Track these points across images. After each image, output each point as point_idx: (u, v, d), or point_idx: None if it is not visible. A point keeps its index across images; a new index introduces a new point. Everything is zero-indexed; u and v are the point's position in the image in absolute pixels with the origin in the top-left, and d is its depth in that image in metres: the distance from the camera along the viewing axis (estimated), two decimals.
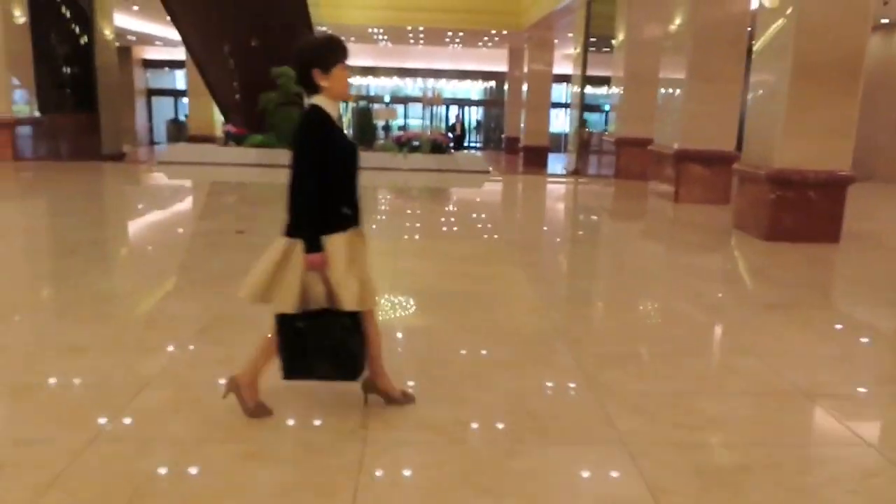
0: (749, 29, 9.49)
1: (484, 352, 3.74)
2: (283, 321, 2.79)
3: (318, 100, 2.76)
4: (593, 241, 7.74)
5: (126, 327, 4.08)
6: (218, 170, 12.51)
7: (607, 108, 28.94)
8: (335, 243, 2.76)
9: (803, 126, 6.99)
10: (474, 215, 8.98)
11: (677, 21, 9.84)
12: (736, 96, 9.55)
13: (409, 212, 9.06)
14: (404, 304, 4.61)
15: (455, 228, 7.92)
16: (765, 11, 7.29)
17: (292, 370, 2.83)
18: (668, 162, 10.03)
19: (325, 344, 2.77)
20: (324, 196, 2.76)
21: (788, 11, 6.91)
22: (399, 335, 3.97)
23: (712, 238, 7.59)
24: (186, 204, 9.41)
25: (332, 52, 2.75)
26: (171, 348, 3.72)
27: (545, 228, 8.58)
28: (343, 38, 2.92)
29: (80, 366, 3.46)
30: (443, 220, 8.65)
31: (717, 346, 4.10)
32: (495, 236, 7.50)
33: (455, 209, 9.79)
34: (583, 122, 17.34)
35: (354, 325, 2.81)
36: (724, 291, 5.40)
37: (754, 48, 7.59)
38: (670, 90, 10.21)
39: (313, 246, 2.71)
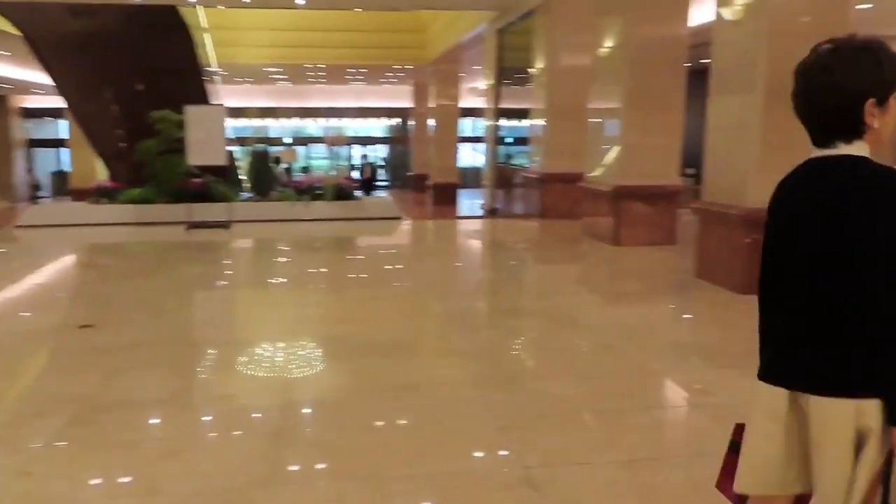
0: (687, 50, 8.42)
1: None
2: None
3: (861, 149, 1.55)
4: (540, 309, 6.23)
5: None
6: (86, 232, 10.34)
7: (509, 140, 28.28)
8: None
9: (781, 157, 5.75)
10: (388, 267, 7.37)
11: (608, 44, 8.64)
12: (679, 125, 8.40)
13: (310, 273, 7.33)
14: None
15: (362, 304, 6.27)
16: (725, 25, 6.09)
17: None
18: (604, 200, 8.74)
19: None
20: None
21: (755, 23, 5.73)
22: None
23: (678, 293, 6.26)
24: (24, 285, 7.13)
25: None
26: None
27: (473, 284, 7.05)
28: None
29: None
30: (349, 286, 6.97)
31: None
32: (418, 311, 5.92)
33: (363, 266, 8.13)
34: (507, 157, 16.12)
35: None
36: (729, 383, 3.95)
37: (713, 68, 6.39)
38: (603, 120, 8.99)
39: None
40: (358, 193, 13.55)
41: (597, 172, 9.15)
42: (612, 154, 8.65)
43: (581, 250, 8.61)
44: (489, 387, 3.72)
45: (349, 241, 9.95)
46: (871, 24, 10.34)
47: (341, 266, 7.89)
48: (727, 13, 6.01)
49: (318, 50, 18.82)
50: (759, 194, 5.80)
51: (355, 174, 27.95)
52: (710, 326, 5.09)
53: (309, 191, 11.27)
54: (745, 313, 5.56)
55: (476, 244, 10.32)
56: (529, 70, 11.96)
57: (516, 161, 16.30)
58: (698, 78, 9.06)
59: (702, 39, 9.29)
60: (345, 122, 31.63)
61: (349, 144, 30.83)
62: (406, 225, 11.45)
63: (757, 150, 5.77)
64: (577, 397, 3.61)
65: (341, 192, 11.33)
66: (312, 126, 31.28)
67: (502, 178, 14.66)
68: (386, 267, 7.80)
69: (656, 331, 5.02)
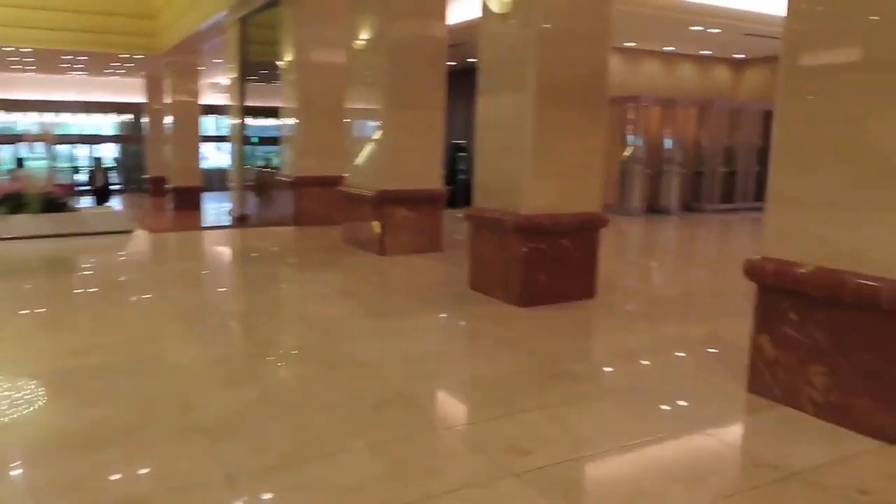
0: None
1: None
2: None
3: None
4: (308, 347, 5.19)
5: None
6: None
7: (256, 140, 26.62)
8: None
9: (553, 160, 5.38)
10: (109, 302, 5.78)
11: (364, 37, 7.79)
12: (441, 125, 7.83)
13: None
14: None
15: (64, 360, 4.73)
16: (492, 18, 5.52)
17: None
18: (366, 205, 7.92)
19: None
20: None
21: (525, 16, 5.22)
22: None
23: (457, 310, 5.60)
24: None
25: None
26: None
27: (223, 318, 5.78)
28: None
29: None
30: (48, 335, 5.32)
31: None
32: (148, 365, 4.57)
33: (73, 302, 6.41)
34: (264, 159, 14.66)
35: None
36: (540, 432, 3.32)
37: (481, 64, 5.82)
38: (362, 120, 8.14)
39: None
40: (87, 202, 11.25)
41: (357, 176, 8.30)
42: (373, 156, 7.85)
43: (345, 262, 7.68)
44: (252, 484, 2.63)
45: (59, 265, 7.78)
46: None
47: (42, 304, 6.02)
48: (494, 5, 5.45)
49: (20, 31, 15.60)
50: (534, 200, 5.36)
51: (81, 178, 24.30)
52: (499, 351, 4.45)
53: (8, 202, 8.91)
54: (528, 332, 4.93)
55: (225, 261, 8.89)
56: (278, 64, 10.74)
57: (272, 162, 15.00)
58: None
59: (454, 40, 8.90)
60: (67, 118, 27.41)
61: (70, 143, 26.76)
62: (139, 239, 9.55)
63: (530, 154, 5.31)
64: (374, 484, 2.66)
65: (52, 203, 9.14)
66: (25, 121, 26.60)
67: (253, 181, 13.23)
68: (106, 301, 6.10)
69: (445, 363, 4.26)
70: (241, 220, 12.39)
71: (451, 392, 3.76)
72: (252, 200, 13.01)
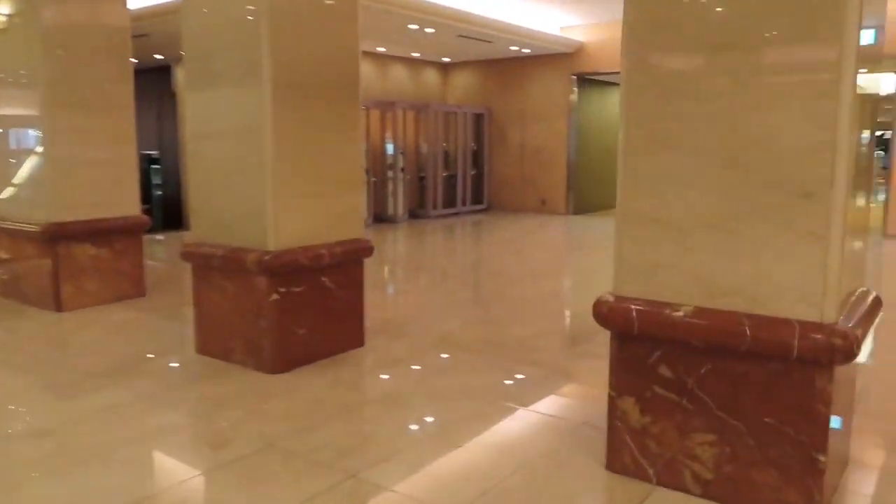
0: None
1: None
2: None
3: None
4: None
5: None
6: None
7: None
8: None
9: (304, 177, 4.07)
10: None
11: (4, 13, 5.54)
12: (132, 132, 5.90)
13: None
14: None
15: None
16: None
17: None
18: (31, 244, 5.72)
19: None
20: None
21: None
22: None
23: (185, 387, 3.98)
24: None
25: None
26: None
27: None
28: None
29: None
30: None
31: None
32: None
33: None
34: None
35: None
36: None
37: (188, 50, 4.22)
38: (12, 128, 5.86)
39: None
40: None
41: (13, 204, 5.99)
42: (36, 177, 5.68)
43: (1, 327, 5.41)
44: None
45: None
46: None
47: None
48: None
49: None
50: (283, 230, 4.01)
51: None
52: (265, 465, 3.01)
53: None
54: (297, 418, 2.95)
55: None
56: None
57: None
58: None
59: None
60: None
61: None
62: None
63: (272, 169, 3.93)
64: None
65: None
66: None
67: None
68: None
69: None
70: None
71: None
72: None
